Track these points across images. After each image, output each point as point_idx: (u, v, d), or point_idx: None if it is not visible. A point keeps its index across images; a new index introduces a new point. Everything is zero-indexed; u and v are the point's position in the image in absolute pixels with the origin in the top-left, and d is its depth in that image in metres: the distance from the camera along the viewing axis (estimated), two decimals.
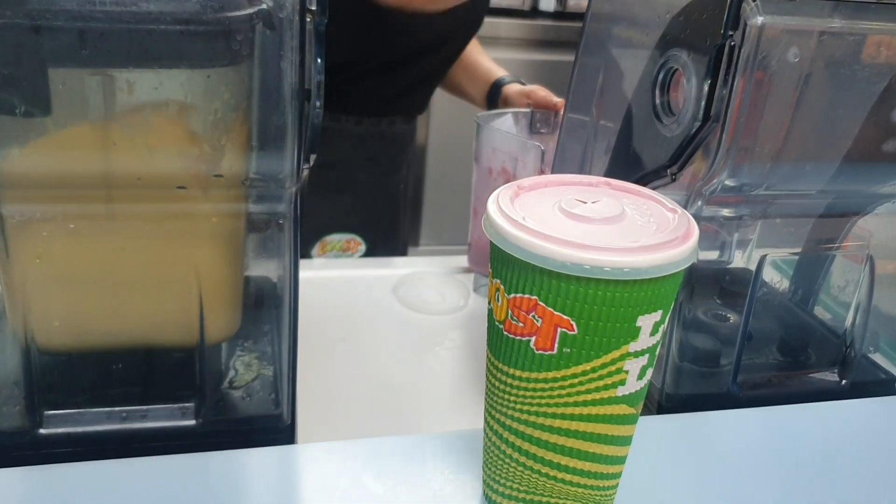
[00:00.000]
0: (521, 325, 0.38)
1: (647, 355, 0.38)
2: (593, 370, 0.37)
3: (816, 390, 0.60)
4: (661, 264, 0.35)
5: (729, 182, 0.53)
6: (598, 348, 0.37)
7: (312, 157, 0.49)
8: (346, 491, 0.45)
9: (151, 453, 0.48)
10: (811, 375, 0.62)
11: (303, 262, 0.87)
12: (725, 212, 0.57)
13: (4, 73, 0.42)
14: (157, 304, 0.49)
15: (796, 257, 0.64)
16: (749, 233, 0.62)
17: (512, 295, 0.37)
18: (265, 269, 0.63)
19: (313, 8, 0.44)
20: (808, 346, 0.64)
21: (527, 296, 0.37)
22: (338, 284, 0.85)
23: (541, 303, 0.36)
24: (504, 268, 0.37)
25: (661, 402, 0.57)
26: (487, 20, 2.11)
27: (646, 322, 0.37)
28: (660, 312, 0.37)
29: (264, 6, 0.45)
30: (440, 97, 2.10)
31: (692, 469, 0.50)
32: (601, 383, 0.38)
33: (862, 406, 0.58)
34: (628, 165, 0.59)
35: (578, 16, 2.18)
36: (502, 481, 0.42)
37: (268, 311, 0.61)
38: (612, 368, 0.37)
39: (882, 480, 0.51)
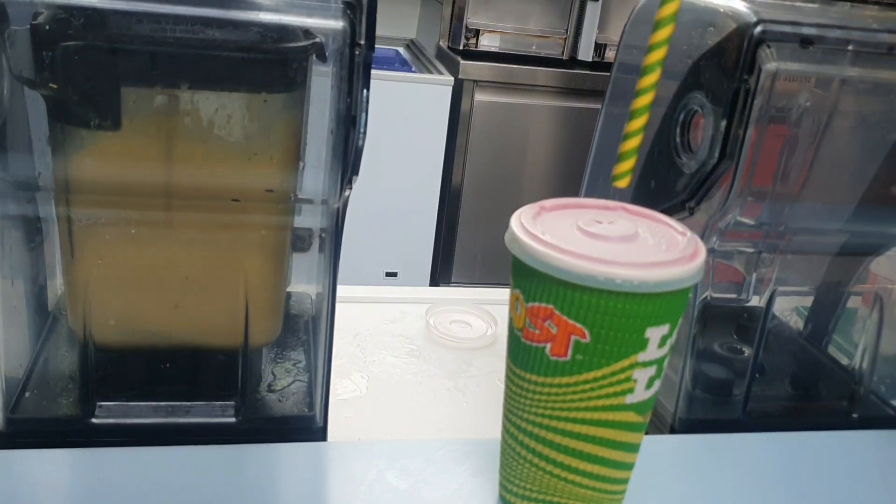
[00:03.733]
0: (537, 332, 0.41)
1: (655, 366, 0.41)
2: (604, 377, 0.41)
3: (825, 422, 0.62)
4: (668, 279, 0.38)
5: (742, 218, 0.56)
6: (608, 356, 0.40)
7: (355, 179, 0.53)
8: (371, 485, 0.48)
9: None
10: (821, 408, 0.64)
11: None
12: (741, 246, 0.60)
13: (83, 89, 0.47)
14: (206, 307, 0.53)
15: (809, 295, 0.66)
16: (767, 273, 0.65)
17: (530, 304, 0.41)
18: (305, 287, 0.67)
19: (362, 42, 0.49)
20: (819, 381, 0.66)
21: (544, 304, 0.40)
22: (369, 308, 0.89)
23: (556, 311, 0.40)
24: (524, 279, 0.41)
25: (674, 425, 0.60)
26: (527, 68, 2.18)
27: (654, 334, 0.40)
28: (667, 326, 0.40)
29: (318, 39, 0.49)
30: (476, 139, 2.16)
31: (699, 487, 0.53)
32: (611, 390, 0.41)
33: (871, 437, 0.60)
34: (650, 201, 0.63)
35: None
36: (517, 481, 0.45)
37: (306, 323, 0.65)
38: (622, 377, 0.41)
39: None
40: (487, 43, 2.21)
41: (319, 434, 0.55)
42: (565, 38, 2.25)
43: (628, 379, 0.41)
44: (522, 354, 0.42)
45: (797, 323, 0.70)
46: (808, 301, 0.70)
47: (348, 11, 0.48)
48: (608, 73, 0.73)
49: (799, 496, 0.53)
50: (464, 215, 2.23)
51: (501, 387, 0.75)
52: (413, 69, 2.27)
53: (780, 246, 0.60)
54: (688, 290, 0.40)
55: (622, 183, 0.41)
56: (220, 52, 0.48)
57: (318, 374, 0.56)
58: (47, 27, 0.45)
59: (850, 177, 0.57)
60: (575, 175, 2.27)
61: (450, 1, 2.22)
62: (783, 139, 0.54)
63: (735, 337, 0.69)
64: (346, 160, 0.51)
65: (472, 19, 2.19)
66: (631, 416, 0.42)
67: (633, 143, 0.41)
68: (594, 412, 0.42)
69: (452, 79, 2.11)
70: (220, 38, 0.47)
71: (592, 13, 2.21)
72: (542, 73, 2.20)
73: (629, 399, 0.41)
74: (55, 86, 0.47)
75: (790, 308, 0.71)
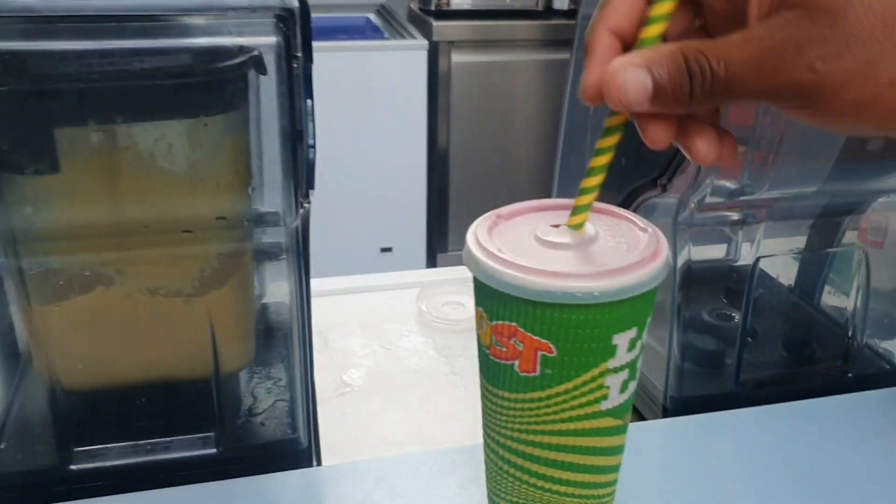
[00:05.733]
0: (504, 349, 0.40)
1: (626, 370, 0.40)
2: (575, 388, 0.39)
3: (821, 385, 0.61)
4: (629, 286, 0.37)
5: (715, 190, 0.54)
6: (577, 368, 0.39)
7: (311, 193, 0.51)
8: None
9: (177, 483, 0.51)
10: (816, 370, 0.63)
11: (325, 278, 0.89)
12: (717, 217, 0.58)
13: (13, 136, 0.45)
14: (172, 341, 0.52)
15: (795, 255, 0.65)
16: (754, 232, 0.63)
17: (494, 322, 0.39)
18: (281, 294, 0.65)
19: (299, 54, 0.47)
20: (812, 341, 0.65)
21: (507, 322, 0.39)
22: (360, 298, 0.87)
23: (520, 329, 0.38)
24: (485, 297, 0.40)
25: (666, 405, 0.59)
26: (503, 23, 2.14)
27: (621, 340, 0.38)
28: (635, 329, 0.39)
29: (256, 52, 0.47)
30: (458, 101, 2.13)
31: (696, 471, 0.52)
32: (584, 400, 0.40)
33: (867, 398, 0.59)
34: (622, 177, 0.61)
35: None
36: (503, 494, 0.44)
37: (285, 335, 0.64)
38: (594, 385, 0.39)
39: (887, 471, 0.52)
40: (460, 1, 2.16)
41: (305, 455, 0.54)
42: None
43: (601, 387, 0.39)
44: (493, 371, 0.41)
45: (781, 275, 0.68)
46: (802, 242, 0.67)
47: (281, 25, 0.46)
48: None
49: (797, 470, 0.52)
50: (454, 181, 2.21)
51: None
52: (385, 35, 2.23)
53: (759, 215, 0.58)
54: (653, 292, 0.39)
55: (580, 230, 0.40)
56: (151, 82, 0.46)
57: (298, 392, 0.54)
58: None
59: (822, 137, 0.55)
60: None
61: None
62: (750, 107, 0.51)
63: (724, 301, 0.68)
64: (298, 176, 0.49)
65: None
66: (608, 422, 0.41)
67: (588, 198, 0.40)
68: (570, 422, 0.40)
69: (427, 42, 2.07)
70: (150, 67, 0.45)
71: None
72: (519, 28, 2.16)
73: (604, 405, 0.40)
74: None
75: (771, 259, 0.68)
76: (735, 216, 0.60)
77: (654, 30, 0.35)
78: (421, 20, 2.19)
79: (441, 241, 2.24)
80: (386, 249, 2.15)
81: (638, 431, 0.55)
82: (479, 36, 2.13)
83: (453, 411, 0.66)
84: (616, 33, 0.36)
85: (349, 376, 0.73)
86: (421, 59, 2.06)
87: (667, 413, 0.59)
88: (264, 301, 0.63)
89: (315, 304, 0.84)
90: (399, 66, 2.05)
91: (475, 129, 2.17)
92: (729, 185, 0.57)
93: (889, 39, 0.31)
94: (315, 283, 0.88)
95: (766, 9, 0.33)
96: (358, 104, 2.02)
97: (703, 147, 0.36)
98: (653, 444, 0.54)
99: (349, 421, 0.65)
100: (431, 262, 2.23)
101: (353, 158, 2.06)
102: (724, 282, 0.68)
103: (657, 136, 0.35)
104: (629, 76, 0.34)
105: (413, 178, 2.12)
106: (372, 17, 2.43)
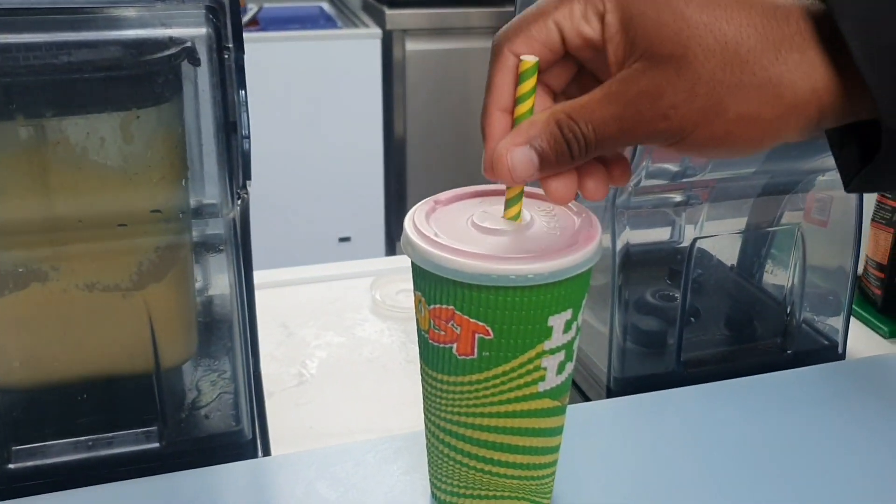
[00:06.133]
0: (442, 333, 0.40)
1: (563, 351, 0.40)
2: (513, 370, 0.40)
3: (761, 363, 0.62)
4: (563, 268, 0.37)
5: (657, 172, 0.55)
6: (514, 350, 0.39)
7: (249, 184, 0.51)
8: (301, 501, 0.47)
9: (120, 478, 0.51)
10: (756, 348, 0.64)
11: (280, 268, 0.89)
12: (657, 199, 0.59)
13: None
14: (111, 336, 0.51)
15: (734, 233, 0.66)
16: (696, 213, 0.64)
17: (432, 306, 0.40)
18: (225, 286, 0.65)
19: (230, 45, 0.46)
20: (753, 319, 0.66)
21: (444, 306, 0.39)
22: (315, 288, 0.87)
23: (457, 312, 0.39)
24: (423, 282, 0.40)
25: (610, 385, 0.59)
26: (457, 10, 2.13)
27: (557, 321, 0.39)
28: (570, 311, 0.39)
29: (189, 44, 0.46)
30: (413, 90, 2.12)
31: (641, 450, 0.52)
32: (521, 381, 0.40)
33: (805, 374, 0.60)
34: None
35: None
36: (444, 479, 0.45)
37: (230, 328, 0.63)
38: (531, 367, 0.40)
39: (826, 445, 0.53)
40: None
41: (250, 448, 0.54)
42: None
43: (538, 368, 0.40)
44: (432, 355, 0.41)
45: (722, 254, 0.69)
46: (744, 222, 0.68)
47: (211, 16, 0.45)
48: None
49: (739, 446, 0.52)
50: (411, 169, 2.20)
51: None
52: (338, 25, 2.21)
53: (701, 196, 0.59)
54: (586, 274, 0.39)
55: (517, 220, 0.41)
56: (80, 75, 0.45)
57: (242, 385, 0.54)
58: None
59: None
60: None
61: None
62: None
63: (669, 282, 0.68)
64: (233, 167, 0.49)
65: None
66: (546, 403, 0.41)
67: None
68: (508, 404, 0.41)
69: (380, 31, 2.06)
70: (79, 60, 0.45)
71: None
72: (473, 15, 2.15)
73: (542, 387, 0.41)
74: None
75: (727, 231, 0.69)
76: (676, 198, 0.61)
77: (524, 107, 0.37)
78: (374, 9, 2.18)
79: (399, 230, 2.22)
80: (344, 239, 2.14)
81: (582, 412, 0.56)
82: (432, 24, 2.12)
83: (408, 399, 0.66)
84: (506, 111, 0.38)
85: (305, 366, 0.73)
86: (375, 48, 2.05)
87: (610, 393, 0.60)
88: (210, 293, 0.62)
89: (276, 294, 0.84)
90: (353, 56, 2.03)
91: (431, 117, 2.17)
92: (671, 167, 0.57)
93: (730, 78, 0.33)
94: (272, 274, 0.88)
95: (621, 58, 0.35)
96: (312, 94, 2.01)
97: (592, 186, 0.38)
98: (597, 424, 0.55)
99: (303, 411, 0.65)
100: (390, 250, 2.22)
101: (309, 149, 2.04)
102: (668, 263, 0.69)
103: (560, 194, 0.37)
104: (515, 156, 0.36)
105: (370, 167, 2.11)
106: (325, 6, 2.41)
